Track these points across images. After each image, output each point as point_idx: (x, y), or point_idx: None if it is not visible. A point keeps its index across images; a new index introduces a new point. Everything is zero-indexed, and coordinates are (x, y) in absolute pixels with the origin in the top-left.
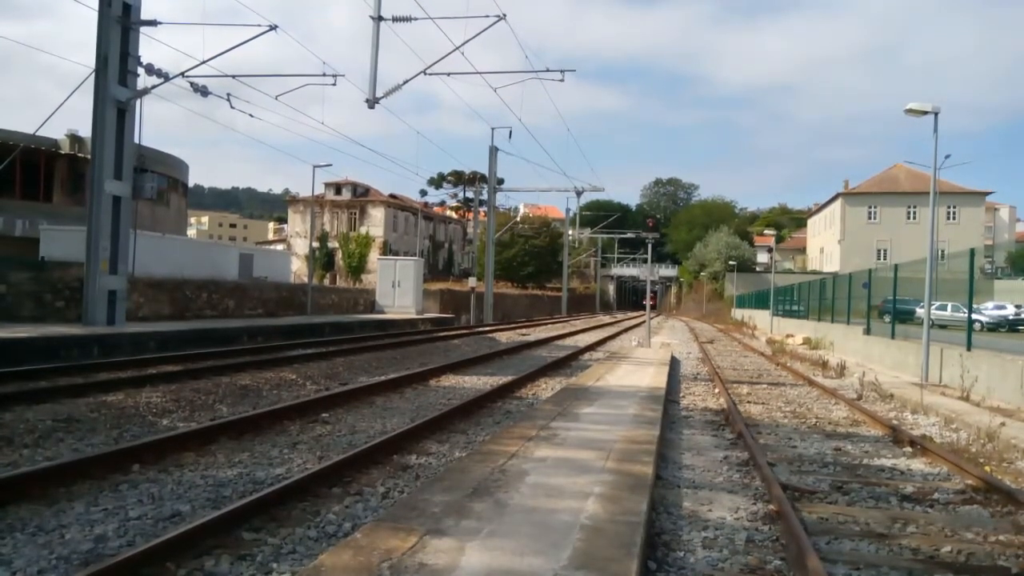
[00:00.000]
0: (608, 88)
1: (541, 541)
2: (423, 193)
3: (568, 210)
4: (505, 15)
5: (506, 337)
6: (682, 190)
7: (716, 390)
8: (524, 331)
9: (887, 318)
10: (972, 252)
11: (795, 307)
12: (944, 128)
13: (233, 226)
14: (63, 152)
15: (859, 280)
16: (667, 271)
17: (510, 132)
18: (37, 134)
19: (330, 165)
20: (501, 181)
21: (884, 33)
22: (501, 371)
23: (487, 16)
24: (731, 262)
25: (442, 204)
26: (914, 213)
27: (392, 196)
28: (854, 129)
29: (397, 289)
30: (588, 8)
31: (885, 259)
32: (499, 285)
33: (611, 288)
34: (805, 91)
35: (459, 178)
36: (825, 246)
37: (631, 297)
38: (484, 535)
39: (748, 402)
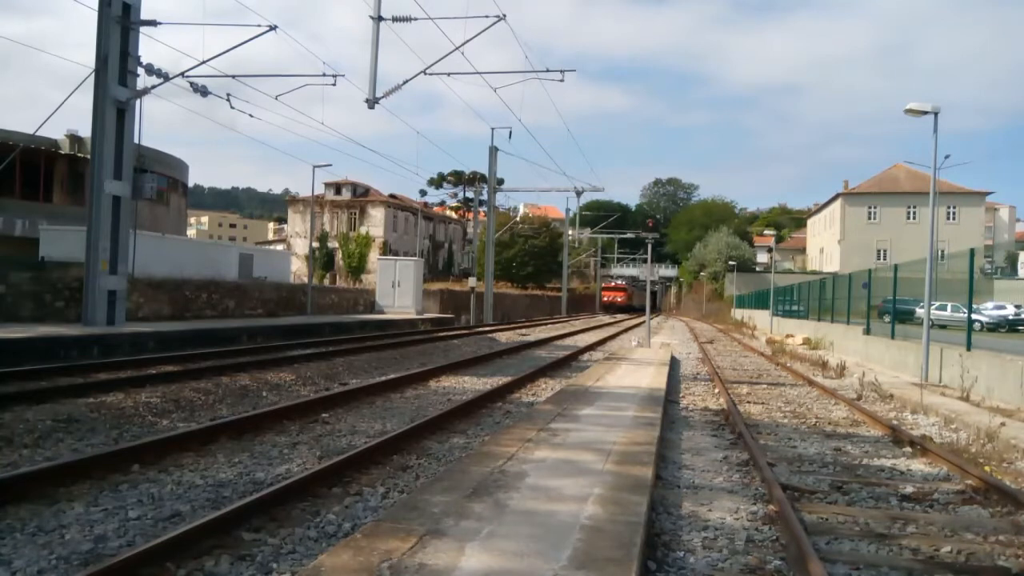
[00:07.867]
0: (613, 88)
1: (541, 541)
2: (423, 193)
3: (568, 210)
4: (505, 15)
5: (506, 337)
6: (682, 190)
7: (716, 390)
8: (524, 331)
9: (887, 318)
10: (972, 252)
11: (795, 307)
12: (950, 128)
13: (233, 226)
14: (63, 152)
15: (859, 280)
16: (667, 271)
17: (510, 132)
18: (37, 134)
19: (330, 165)
20: (501, 181)
21: (892, 33)
22: (501, 371)
23: (487, 16)
24: (731, 262)
25: (442, 204)
26: (914, 213)
27: (392, 196)
28: (859, 130)
29: (397, 289)
30: (594, 7)
31: (885, 259)
32: (499, 285)
33: None
34: (811, 91)
35: (459, 178)
36: (825, 246)
37: None
38: (484, 535)
39: (748, 402)
